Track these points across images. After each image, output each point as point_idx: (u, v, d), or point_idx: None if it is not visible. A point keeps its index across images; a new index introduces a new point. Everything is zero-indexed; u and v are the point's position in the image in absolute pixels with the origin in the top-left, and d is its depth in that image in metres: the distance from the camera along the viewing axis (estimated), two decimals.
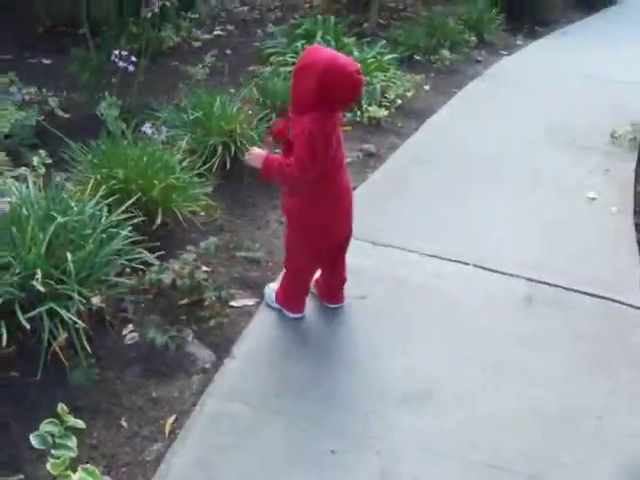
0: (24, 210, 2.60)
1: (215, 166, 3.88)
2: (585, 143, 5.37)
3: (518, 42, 8.57)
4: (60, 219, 2.59)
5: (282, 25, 7.28)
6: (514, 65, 7.55)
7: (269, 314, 3.08)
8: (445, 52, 7.03)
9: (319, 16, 6.72)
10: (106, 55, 4.41)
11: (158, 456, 2.36)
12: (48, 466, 2.05)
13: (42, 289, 2.34)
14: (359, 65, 2.56)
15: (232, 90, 4.85)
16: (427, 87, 6.26)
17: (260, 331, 2.99)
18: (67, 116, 4.64)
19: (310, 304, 3.11)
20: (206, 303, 2.98)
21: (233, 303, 3.10)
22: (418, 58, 6.83)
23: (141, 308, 2.95)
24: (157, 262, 2.92)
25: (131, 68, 3.94)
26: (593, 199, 4.49)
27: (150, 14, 4.70)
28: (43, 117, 4.19)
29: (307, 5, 9.08)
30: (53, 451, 2.11)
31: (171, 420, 2.51)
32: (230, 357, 2.81)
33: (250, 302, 3.16)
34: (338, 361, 2.86)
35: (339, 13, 7.84)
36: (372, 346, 2.95)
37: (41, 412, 2.27)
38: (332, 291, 3.15)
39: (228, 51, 6.90)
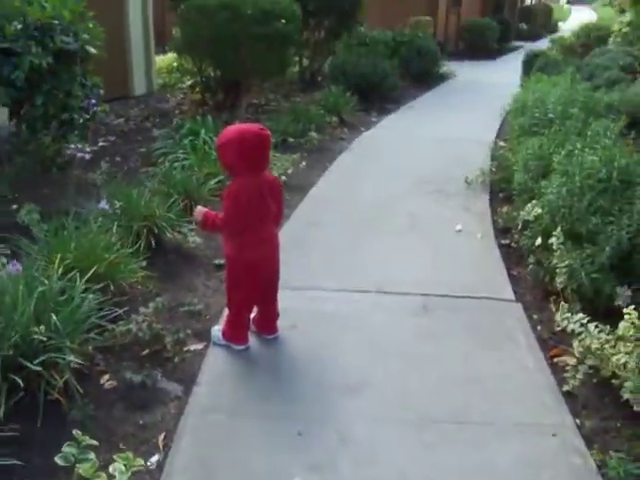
0: (9, 287, 3.13)
1: (142, 246, 4.46)
2: (446, 190, 6.40)
3: (373, 119, 9.78)
4: (40, 288, 3.14)
5: (163, 130, 8.01)
6: (373, 138, 8.67)
7: (219, 351, 3.68)
8: (313, 134, 8.01)
9: (198, 117, 7.53)
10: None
11: (159, 463, 2.88)
12: (80, 471, 2.55)
13: (44, 339, 2.86)
14: (262, 127, 3.33)
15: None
16: (303, 164, 7.13)
17: (215, 364, 3.58)
18: None
19: (252, 339, 3.74)
20: (167, 347, 3.55)
21: (186, 348, 3.68)
22: (291, 141, 7.75)
23: (110, 361, 3.48)
24: (124, 317, 3.47)
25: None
26: (460, 231, 5.43)
27: None
28: None
29: (177, 112, 9.93)
30: (77, 465, 2.60)
31: (162, 437, 3.03)
32: (196, 385, 3.38)
33: (200, 346, 3.75)
34: (287, 373, 3.49)
35: (209, 114, 8.71)
36: (309, 358, 3.62)
37: (52, 450, 2.70)
38: (268, 324, 3.80)
39: (118, 158, 7.51)
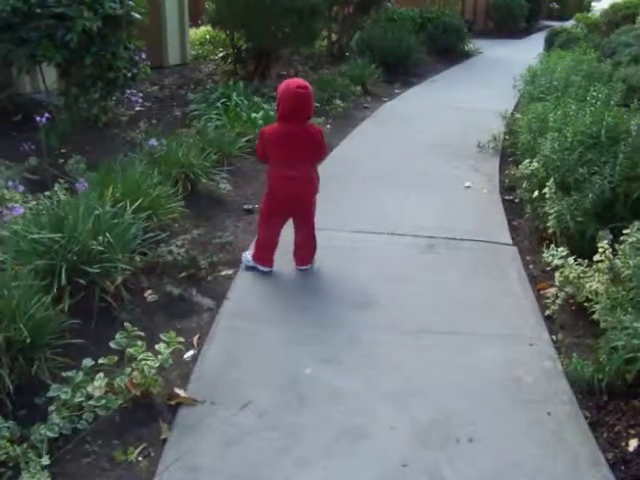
0: (71, 210, 3.74)
1: (180, 189, 5.06)
2: (459, 153, 6.92)
3: (396, 90, 10.29)
4: (96, 212, 3.75)
5: (197, 94, 8.61)
6: (395, 107, 9.19)
7: (247, 275, 4.28)
8: (338, 101, 8.55)
9: (230, 83, 8.11)
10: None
11: (194, 356, 3.48)
12: (131, 351, 3.16)
13: (101, 248, 3.47)
14: (306, 85, 3.88)
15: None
16: (327, 127, 7.68)
17: (243, 284, 4.18)
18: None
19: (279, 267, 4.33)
20: (202, 270, 4.15)
21: (218, 271, 4.28)
22: (316, 106, 8.27)
23: (152, 280, 4.09)
24: (164, 243, 4.08)
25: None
26: (469, 187, 5.96)
27: None
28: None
29: (210, 80, 10.51)
30: (128, 348, 3.21)
31: (196, 338, 3.64)
32: (226, 299, 3.98)
33: (230, 271, 4.35)
34: (307, 291, 4.09)
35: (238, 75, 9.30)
36: (327, 282, 4.21)
37: (105, 339, 3.30)
38: (297, 255, 4.37)
39: (154, 121, 8.11)
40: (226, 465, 2.73)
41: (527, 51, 12.50)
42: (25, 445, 2.70)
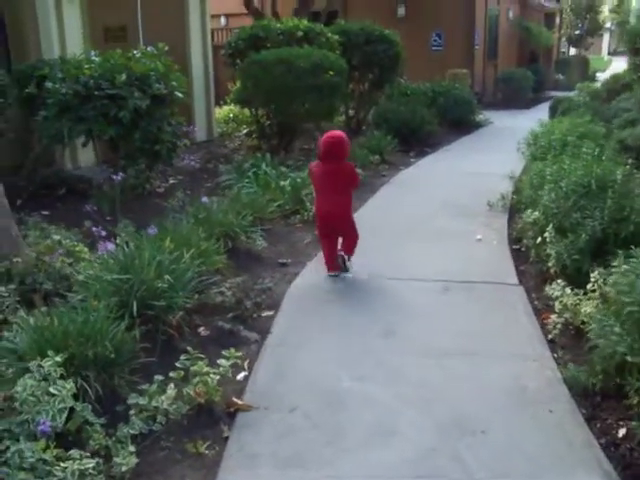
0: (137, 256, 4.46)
1: (222, 246, 5.77)
2: (471, 211, 7.63)
3: (412, 159, 11.13)
4: (158, 257, 4.47)
5: (227, 166, 9.46)
6: (411, 174, 10.00)
7: (286, 314, 4.95)
8: (358, 170, 9.31)
9: (258, 155, 8.96)
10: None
11: (246, 376, 4.12)
12: (195, 368, 3.82)
13: (165, 285, 4.17)
14: (337, 135, 5.20)
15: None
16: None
17: (283, 322, 4.84)
18: None
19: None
20: (247, 309, 4.84)
21: (260, 312, 4.97)
22: None
23: (205, 318, 4.77)
24: (214, 287, 4.78)
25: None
26: (480, 239, 6.64)
27: None
28: None
29: (236, 155, 11.41)
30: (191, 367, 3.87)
31: (246, 362, 4.28)
32: (269, 333, 4.64)
33: (270, 312, 5.03)
34: (338, 323, 4.74)
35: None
36: (361, 314, 4.86)
37: (171, 363, 3.95)
38: (332, 265, 5.43)
39: (188, 191, 8.93)
40: (279, 453, 3.35)
41: (533, 120, 13.31)
42: (114, 438, 3.34)
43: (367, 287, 5.48)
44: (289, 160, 9.93)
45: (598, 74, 25.17)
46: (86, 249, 5.13)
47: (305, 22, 11.48)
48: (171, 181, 9.68)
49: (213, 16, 14.46)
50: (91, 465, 3.06)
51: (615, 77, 14.52)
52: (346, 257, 5.68)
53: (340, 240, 5.69)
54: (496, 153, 11.00)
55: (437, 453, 3.33)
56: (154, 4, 10.40)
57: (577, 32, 27.15)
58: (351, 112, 13.52)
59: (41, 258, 4.88)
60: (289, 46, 10.36)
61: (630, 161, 6.63)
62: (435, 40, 18.47)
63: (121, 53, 6.82)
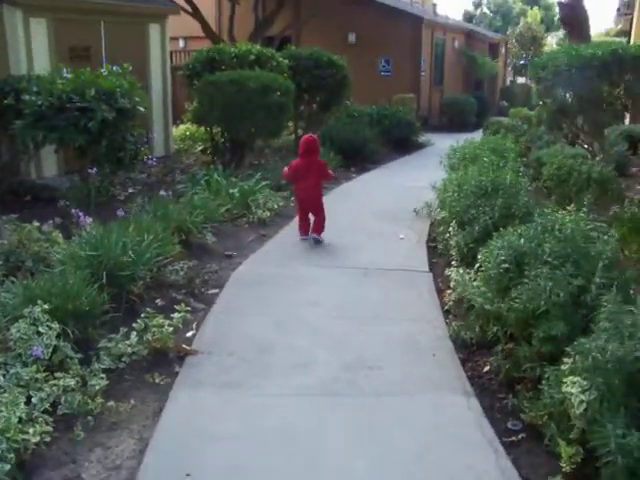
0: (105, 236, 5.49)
1: (176, 238, 6.79)
2: (399, 217, 8.79)
3: (353, 175, 12.32)
4: (123, 239, 5.50)
5: (183, 176, 10.50)
6: (350, 187, 11.19)
7: (228, 292, 6.00)
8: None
9: (211, 166, 10.03)
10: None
11: (194, 334, 5.15)
12: (152, 322, 4.84)
13: (129, 260, 5.20)
14: (312, 136, 7.06)
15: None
16: (292, 201, 9.55)
17: (226, 298, 5.89)
18: None
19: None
20: (196, 286, 5.87)
21: (207, 290, 6.01)
22: (283, 183, 10.19)
23: (161, 292, 5.79)
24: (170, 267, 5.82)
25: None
26: (402, 238, 7.80)
27: None
28: None
29: (190, 170, 12.45)
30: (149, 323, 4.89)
31: (194, 324, 5.31)
32: (214, 304, 5.69)
33: (216, 290, 6.08)
34: (268, 300, 5.80)
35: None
36: (289, 295, 5.94)
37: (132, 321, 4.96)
38: (314, 229, 7.14)
39: (146, 198, 9.93)
40: (218, 381, 4.40)
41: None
42: (88, 370, 4.34)
43: (300, 273, 6.56)
44: (239, 173, 11.01)
45: (541, 102, 26.77)
46: (60, 235, 6.13)
47: (257, 47, 12.63)
48: (130, 190, 10.66)
49: (172, 38, 15.56)
50: (72, 383, 4.06)
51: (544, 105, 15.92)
52: (318, 236, 7.55)
53: (312, 219, 7.66)
54: (432, 170, 12.05)
55: (340, 381, 4.41)
56: (117, 27, 11.48)
57: (522, 62, 28.93)
58: (300, 131, 14.66)
59: (22, 242, 5.86)
60: (242, 68, 11.47)
61: (531, 171, 7.86)
62: (384, 66, 19.85)
63: (90, 71, 7.86)
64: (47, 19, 10.15)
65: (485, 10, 48.04)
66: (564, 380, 3.33)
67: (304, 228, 7.71)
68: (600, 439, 2.96)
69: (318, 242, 7.54)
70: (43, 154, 9.74)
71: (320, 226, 7.58)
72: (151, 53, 12.54)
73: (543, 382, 3.66)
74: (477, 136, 15.47)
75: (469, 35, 24.56)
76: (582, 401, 3.16)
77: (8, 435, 3.36)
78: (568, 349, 3.53)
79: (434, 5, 26.89)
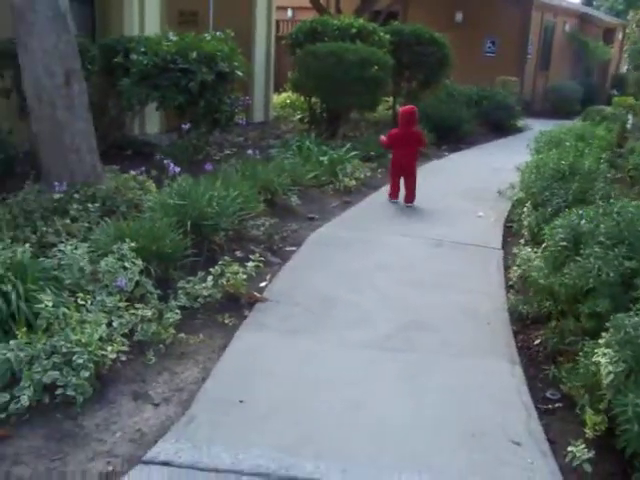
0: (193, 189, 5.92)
1: (262, 198, 7.19)
2: (482, 196, 8.92)
3: (445, 153, 12.44)
4: (210, 193, 5.92)
5: (277, 140, 10.92)
6: (440, 164, 11.34)
7: (305, 250, 6.36)
8: (390, 155, 10.67)
9: (304, 133, 10.40)
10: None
11: (266, 285, 5.54)
12: (228, 269, 5.25)
13: (213, 211, 5.62)
14: (411, 108, 7.70)
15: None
16: (379, 172, 9.83)
17: (301, 255, 6.25)
18: None
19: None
20: (275, 242, 6.26)
21: (286, 247, 6.39)
22: (373, 156, 10.47)
23: (242, 244, 6.20)
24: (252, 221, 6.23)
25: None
26: (480, 216, 7.96)
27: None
28: None
29: (286, 133, 12.86)
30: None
31: (268, 276, 5.70)
32: (289, 260, 6.06)
33: (293, 248, 6.45)
34: (341, 259, 6.13)
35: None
36: (367, 257, 6.26)
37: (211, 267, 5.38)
38: (406, 197, 7.74)
39: (240, 160, 10.41)
40: (282, 327, 4.77)
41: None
42: (165, 305, 4.79)
43: (376, 239, 6.86)
44: (332, 142, 11.35)
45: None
46: (154, 184, 6.63)
47: (360, 21, 12.87)
48: (226, 152, 11.17)
49: (280, 8, 16.00)
50: (149, 314, 4.52)
51: None
52: (411, 204, 8.35)
53: (403, 187, 8.43)
54: (524, 154, 12.16)
55: (395, 338, 4.71)
56: None
57: None
58: (398, 107, 14.83)
59: (119, 188, 6.39)
60: (343, 41, 11.75)
61: (620, 161, 7.85)
62: (489, 46, 19.68)
63: (194, 35, 8.33)
64: None
65: None
66: (596, 350, 3.51)
67: (395, 192, 8.44)
68: (620, 405, 3.15)
69: (410, 207, 8.37)
70: (146, 112, 10.32)
71: (412, 193, 8.32)
72: (257, 21, 12.97)
73: (580, 353, 3.84)
74: (578, 124, 15.32)
75: (582, 18, 23.89)
76: (610, 372, 3.34)
77: (90, 349, 3.83)
78: (608, 324, 3.70)
79: None
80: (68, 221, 5.68)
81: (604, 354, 3.42)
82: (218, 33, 8.44)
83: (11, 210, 5.85)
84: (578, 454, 3.32)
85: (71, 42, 6.12)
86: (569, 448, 3.41)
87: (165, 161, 6.53)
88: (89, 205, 5.95)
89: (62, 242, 5.06)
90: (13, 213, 5.80)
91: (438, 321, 5.03)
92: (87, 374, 3.72)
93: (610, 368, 3.34)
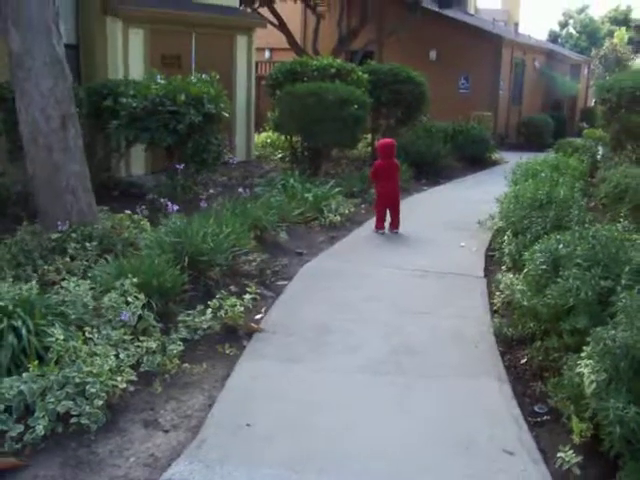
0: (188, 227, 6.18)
1: (252, 234, 7.45)
2: (463, 227, 9.25)
3: (424, 187, 12.81)
4: (204, 230, 6.18)
5: (261, 179, 11.22)
6: (420, 198, 11.69)
7: (295, 284, 6.61)
8: (372, 191, 11.00)
9: (288, 172, 10.71)
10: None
11: (262, 317, 5.78)
12: (226, 302, 5.50)
13: (208, 247, 5.87)
14: (390, 140, 8.02)
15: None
16: (362, 207, 10.15)
17: (293, 288, 6.50)
18: None
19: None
20: (267, 276, 6.52)
21: (277, 281, 6.64)
22: (355, 192, 10.80)
23: (235, 279, 6.45)
24: (244, 257, 6.49)
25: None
26: (463, 246, 8.27)
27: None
28: None
29: (269, 172, 13.17)
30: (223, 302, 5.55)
31: (263, 309, 5.94)
32: (282, 294, 6.31)
33: (285, 282, 6.70)
34: (332, 291, 6.39)
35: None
36: (353, 292, 6.52)
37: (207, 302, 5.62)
38: (392, 226, 8.11)
39: (226, 200, 10.68)
40: (280, 355, 5.01)
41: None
42: (168, 338, 5.01)
43: (363, 271, 7.14)
44: (315, 180, 11.67)
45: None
46: (148, 223, 6.88)
47: (338, 61, 13.31)
48: (211, 191, 11.44)
49: (259, 49, 16.43)
50: (154, 346, 4.74)
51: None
52: (397, 231, 8.89)
53: (388, 217, 8.90)
54: (501, 186, 12.47)
55: (387, 362, 4.96)
56: (206, 37, 12.34)
57: None
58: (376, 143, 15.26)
59: (114, 227, 6.63)
60: (322, 81, 12.16)
61: (592, 190, 8.22)
62: (463, 83, 20.28)
63: (181, 78, 8.66)
64: (144, 30, 11.06)
65: (571, 30, 47.70)
66: (579, 362, 3.79)
67: (381, 223, 8.87)
68: (603, 411, 3.42)
69: (396, 234, 8.89)
70: (132, 153, 10.60)
71: (397, 221, 8.86)
72: (237, 63, 13.34)
73: (564, 367, 4.12)
74: (552, 156, 15.81)
75: (550, 55, 24.71)
76: (592, 381, 3.62)
77: (101, 379, 4.04)
78: (588, 339, 3.98)
79: (516, 24, 27.13)
80: (67, 259, 5.90)
81: (586, 365, 3.70)
82: (204, 76, 8.77)
83: (10, 250, 6.04)
84: (567, 459, 3.58)
85: (67, 87, 6.39)
86: (559, 454, 3.67)
87: (162, 200, 6.78)
88: (87, 244, 6.18)
89: (64, 279, 5.27)
90: (12, 252, 6.00)
91: (427, 346, 5.29)
92: (100, 403, 3.93)
93: (592, 377, 3.61)
